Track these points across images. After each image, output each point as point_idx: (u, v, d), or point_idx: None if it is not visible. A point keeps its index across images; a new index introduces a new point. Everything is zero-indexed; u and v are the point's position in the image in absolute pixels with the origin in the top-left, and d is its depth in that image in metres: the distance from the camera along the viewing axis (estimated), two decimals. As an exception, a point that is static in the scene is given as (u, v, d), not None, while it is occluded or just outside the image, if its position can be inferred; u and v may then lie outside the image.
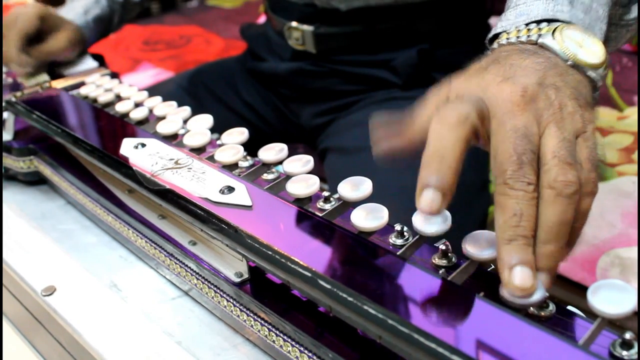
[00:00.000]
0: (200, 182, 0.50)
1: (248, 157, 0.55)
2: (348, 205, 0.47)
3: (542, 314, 0.37)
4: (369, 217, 0.44)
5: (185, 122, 0.61)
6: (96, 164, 0.61)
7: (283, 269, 0.41)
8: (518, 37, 0.45)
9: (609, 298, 0.34)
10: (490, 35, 0.49)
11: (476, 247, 0.40)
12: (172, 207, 0.51)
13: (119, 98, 0.70)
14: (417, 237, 0.43)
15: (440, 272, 0.41)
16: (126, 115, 0.66)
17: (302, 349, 0.43)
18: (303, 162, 0.51)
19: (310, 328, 0.43)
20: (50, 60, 0.86)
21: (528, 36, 0.45)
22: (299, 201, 0.48)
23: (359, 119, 0.86)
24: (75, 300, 0.55)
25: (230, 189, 0.49)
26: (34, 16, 0.83)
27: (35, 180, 0.74)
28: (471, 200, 0.77)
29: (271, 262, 0.42)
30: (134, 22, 1.50)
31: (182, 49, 1.59)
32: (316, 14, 0.85)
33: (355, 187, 0.46)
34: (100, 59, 0.92)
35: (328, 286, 0.38)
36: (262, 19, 1.28)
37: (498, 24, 0.49)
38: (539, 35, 0.44)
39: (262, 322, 0.46)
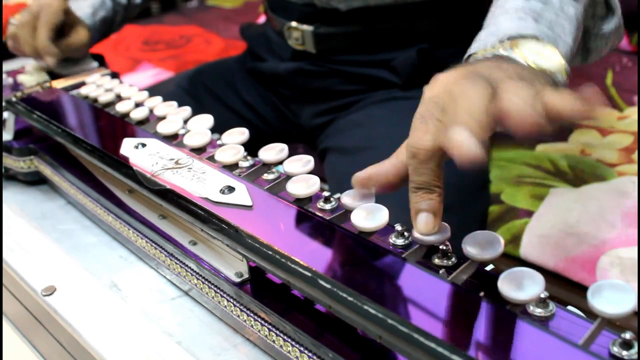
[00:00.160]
0: (201, 182, 0.50)
1: (248, 157, 0.55)
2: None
3: (542, 314, 0.37)
4: (369, 217, 0.44)
5: (185, 122, 0.61)
6: (96, 164, 0.61)
7: (283, 269, 0.41)
8: (485, 54, 0.50)
9: (609, 298, 0.34)
10: (465, 56, 0.54)
11: (476, 247, 0.40)
12: (173, 207, 0.51)
13: (119, 98, 0.70)
14: (418, 246, 0.43)
15: (440, 272, 0.41)
16: (126, 115, 0.66)
17: (302, 349, 0.43)
18: (303, 162, 0.51)
19: (310, 328, 0.43)
20: (68, 55, 0.87)
21: (493, 52, 0.50)
22: (299, 201, 0.48)
23: (359, 119, 0.86)
24: (75, 300, 0.55)
25: (231, 189, 0.49)
26: (60, 9, 0.84)
27: (35, 180, 0.74)
28: (471, 200, 0.77)
29: (271, 262, 0.42)
30: (134, 22, 1.49)
31: (182, 49, 1.59)
32: (316, 14, 0.85)
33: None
34: (100, 59, 0.92)
35: (328, 286, 0.38)
36: (262, 19, 1.28)
37: (472, 44, 0.54)
38: (503, 50, 0.50)
39: (262, 322, 0.46)
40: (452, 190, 0.42)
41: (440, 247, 0.42)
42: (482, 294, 0.37)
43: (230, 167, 0.54)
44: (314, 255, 0.41)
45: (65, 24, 0.86)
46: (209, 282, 0.50)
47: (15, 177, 0.75)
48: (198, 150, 0.57)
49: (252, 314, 0.46)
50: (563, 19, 0.54)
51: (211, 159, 0.55)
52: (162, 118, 0.63)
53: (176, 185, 0.51)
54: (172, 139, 0.60)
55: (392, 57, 0.84)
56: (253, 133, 0.61)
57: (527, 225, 0.79)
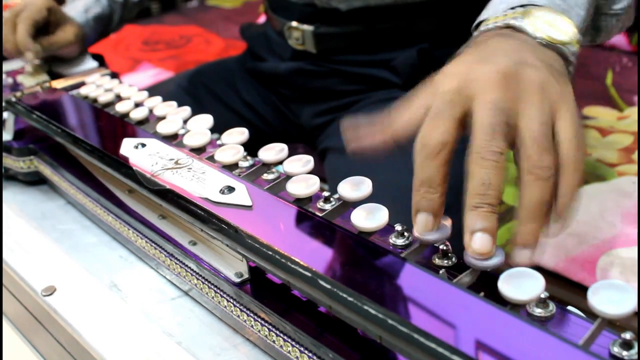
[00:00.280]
0: (201, 182, 0.50)
1: (248, 157, 0.55)
2: (348, 205, 0.47)
3: (542, 314, 0.37)
4: (369, 217, 0.44)
5: (185, 122, 0.61)
6: (96, 164, 0.61)
7: (283, 269, 0.41)
8: (496, 23, 0.49)
9: (609, 298, 0.34)
10: (475, 23, 0.53)
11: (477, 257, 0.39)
12: (172, 207, 0.51)
13: (119, 98, 0.70)
14: (417, 244, 0.43)
15: (441, 272, 0.41)
16: (126, 115, 0.66)
17: (302, 349, 0.43)
18: (303, 162, 0.51)
19: (310, 328, 0.43)
20: (54, 54, 0.87)
21: (504, 21, 0.48)
22: (299, 201, 0.48)
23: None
24: (75, 300, 0.55)
25: (231, 189, 0.49)
26: (43, 6, 0.84)
27: (35, 180, 0.74)
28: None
29: (271, 262, 0.42)
30: (133, 22, 1.49)
31: (182, 49, 1.59)
32: (316, 13, 0.85)
33: (355, 187, 0.47)
34: (100, 59, 0.92)
35: (328, 286, 0.38)
36: (262, 19, 1.28)
37: (483, 12, 0.53)
38: (514, 19, 0.48)
39: (262, 322, 0.46)
40: (452, 190, 0.42)
41: (440, 247, 0.42)
42: (482, 294, 0.37)
43: (230, 167, 0.54)
44: (314, 255, 0.41)
45: (51, 23, 0.86)
46: (209, 282, 0.50)
47: (15, 177, 0.75)
48: (198, 150, 0.57)
49: (252, 314, 0.46)
50: None
51: (211, 159, 0.55)
52: (162, 118, 0.63)
53: (176, 185, 0.51)
54: (172, 139, 0.60)
55: (393, 57, 0.84)
56: (253, 133, 0.61)
57: (527, 225, 0.78)
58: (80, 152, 0.62)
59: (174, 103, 0.65)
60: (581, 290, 0.74)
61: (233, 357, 0.48)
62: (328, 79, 0.89)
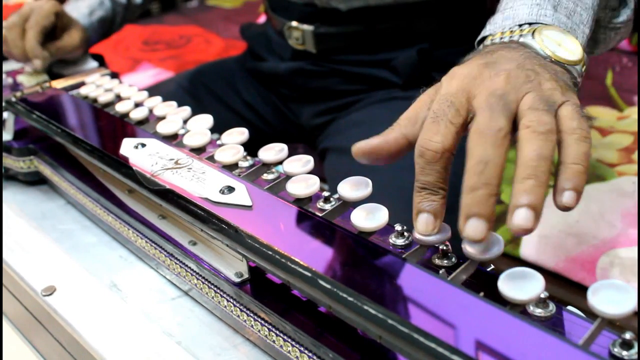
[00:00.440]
0: (200, 182, 0.50)
1: (248, 157, 0.55)
2: (348, 205, 0.47)
3: (542, 314, 0.37)
4: (369, 217, 0.44)
5: (185, 122, 0.61)
6: (96, 164, 0.61)
7: (283, 269, 0.41)
8: (502, 38, 0.49)
9: (609, 298, 0.34)
10: (479, 38, 0.52)
11: (476, 247, 0.40)
12: (172, 207, 0.51)
13: (119, 98, 0.70)
14: (418, 245, 0.43)
15: (440, 272, 0.41)
16: (126, 115, 0.66)
17: (302, 349, 0.43)
18: (303, 162, 0.51)
19: (310, 328, 0.43)
20: (60, 58, 0.86)
21: (511, 37, 0.48)
22: (299, 201, 0.48)
23: (359, 119, 0.86)
24: (75, 300, 0.55)
25: (230, 189, 0.49)
26: (50, 12, 0.84)
27: (35, 180, 0.74)
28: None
29: (271, 262, 0.42)
30: (134, 22, 1.50)
31: (182, 49, 1.59)
32: (316, 13, 0.85)
33: (355, 187, 0.47)
34: (100, 59, 0.92)
35: (328, 286, 0.38)
36: (262, 19, 1.28)
37: (487, 26, 0.52)
38: (521, 36, 0.48)
39: (262, 322, 0.46)
40: (452, 190, 0.42)
41: (440, 247, 0.42)
42: (482, 294, 0.37)
43: (230, 167, 0.54)
44: (314, 255, 0.41)
45: (58, 27, 0.86)
46: (209, 282, 0.50)
47: (15, 177, 0.75)
48: (198, 150, 0.57)
49: (252, 314, 0.46)
50: (581, 8, 0.52)
51: (211, 159, 0.55)
52: (162, 118, 0.63)
53: (176, 185, 0.51)
54: (172, 139, 0.60)
55: (393, 57, 0.84)
56: (253, 133, 0.61)
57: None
58: (80, 152, 0.62)
59: (174, 103, 0.65)
60: (581, 290, 0.74)
61: (233, 357, 0.48)
62: (328, 78, 0.89)
